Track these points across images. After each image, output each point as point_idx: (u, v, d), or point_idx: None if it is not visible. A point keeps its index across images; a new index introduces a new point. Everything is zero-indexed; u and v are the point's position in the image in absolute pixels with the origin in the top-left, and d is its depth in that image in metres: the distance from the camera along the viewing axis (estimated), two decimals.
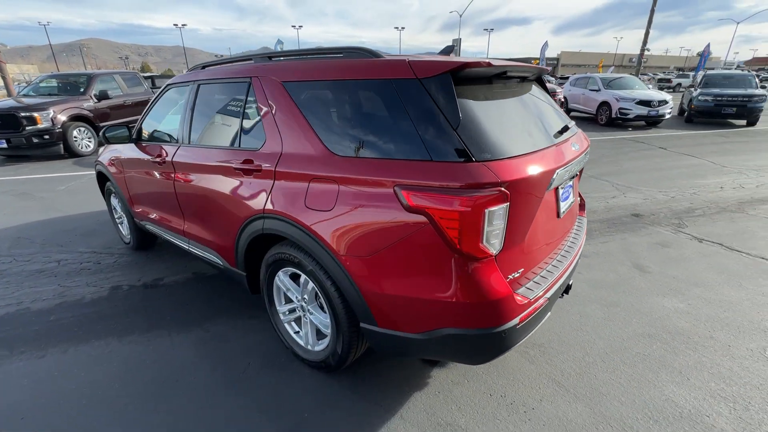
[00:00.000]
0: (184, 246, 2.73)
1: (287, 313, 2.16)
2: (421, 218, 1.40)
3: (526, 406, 1.82)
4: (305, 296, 1.98)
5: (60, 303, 2.86)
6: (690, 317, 2.49)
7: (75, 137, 7.88)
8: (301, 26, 39.09)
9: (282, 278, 2.06)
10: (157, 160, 2.67)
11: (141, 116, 3.02)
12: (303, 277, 1.91)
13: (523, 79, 1.92)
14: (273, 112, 1.89)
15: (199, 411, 1.85)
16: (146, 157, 2.84)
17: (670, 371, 2.03)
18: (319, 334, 2.05)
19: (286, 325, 2.18)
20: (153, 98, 2.96)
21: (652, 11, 17.63)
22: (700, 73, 13.67)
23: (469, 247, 1.37)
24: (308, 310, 2.00)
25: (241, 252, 2.14)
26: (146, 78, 12.17)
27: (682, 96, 13.71)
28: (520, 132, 1.60)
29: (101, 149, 3.93)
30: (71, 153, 7.88)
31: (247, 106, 2.07)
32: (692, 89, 12.15)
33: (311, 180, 1.69)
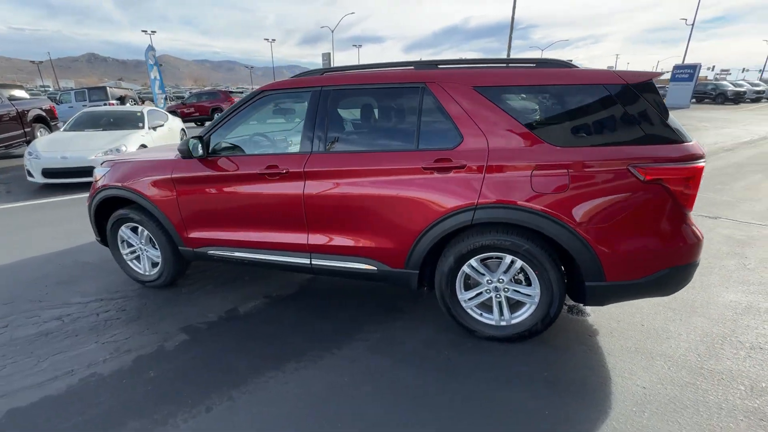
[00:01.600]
0: (304, 262, 2.53)
1: (467, 300, 2.32)
2: (655, 186, 1.86)
3: (666, 328, 2.43)
4: (502, 277, 2.21)
5: (136, 358, 2.33)
6: None
7: None
8: (154, 32, 34.43)
9: (475, 265, 2.22)
10: (267, 172, 2.43)
11: (209, 128, 2.63)
12: (507, 258, 2.13)
13: None
14: (469, 113, 2.08)
15: (468, 404, 1.90)
16: (233, 172, 2.53)
17: (715, 286, 2.92)
18: (514, 308, 2.29)
19: (469, 311, 2.33)
20: (231, 108, 2.60)
21: (510, 38, 21.91)
22: None
23: (690, 203, 1.89)
24: (503, 288, 2.23)
25: (423, 250, 2.21)
26: None
27: None
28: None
29: (97, 171, 3.16)
30: None
31: (424, 109, 2.18)
32: None
33: (534, 169, 1.97)
